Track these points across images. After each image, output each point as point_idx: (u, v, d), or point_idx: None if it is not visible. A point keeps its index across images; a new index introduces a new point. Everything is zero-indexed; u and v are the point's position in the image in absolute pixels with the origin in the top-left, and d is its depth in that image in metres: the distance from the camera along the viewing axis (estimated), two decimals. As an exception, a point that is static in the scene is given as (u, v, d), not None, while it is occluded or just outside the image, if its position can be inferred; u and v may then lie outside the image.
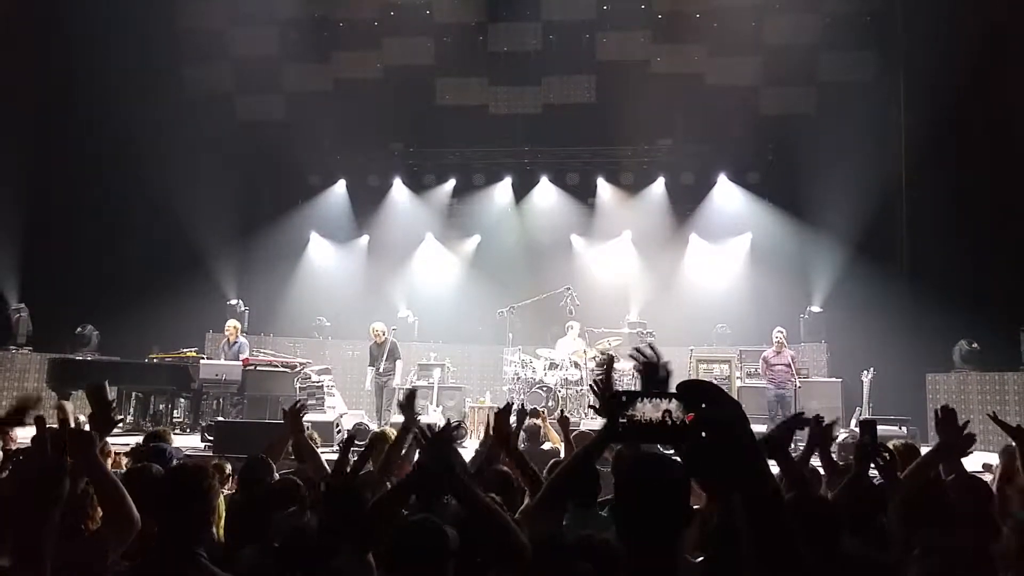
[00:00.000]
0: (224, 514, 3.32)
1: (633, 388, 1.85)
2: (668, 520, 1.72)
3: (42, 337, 11.42)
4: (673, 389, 1.24)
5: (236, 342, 10.39)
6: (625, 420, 1.22)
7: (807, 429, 3.52)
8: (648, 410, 1.20)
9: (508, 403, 3.69)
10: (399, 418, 9.33)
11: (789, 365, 10.04)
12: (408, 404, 3.62)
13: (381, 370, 10.21)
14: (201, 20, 12.74)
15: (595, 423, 7.76)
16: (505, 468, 3.62)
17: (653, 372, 1.93)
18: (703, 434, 1.17)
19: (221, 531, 3.25)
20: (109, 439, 4.43)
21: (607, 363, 2.47)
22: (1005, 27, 10.40)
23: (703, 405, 1.19)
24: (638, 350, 1.99)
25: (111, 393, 2.94)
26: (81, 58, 11.44)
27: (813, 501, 2.88)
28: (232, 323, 10.70)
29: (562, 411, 8.76)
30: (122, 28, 11.99)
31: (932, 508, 2.68)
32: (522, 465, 3.34)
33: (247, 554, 2.80)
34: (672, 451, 1.34)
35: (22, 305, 11.40)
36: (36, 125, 11.40)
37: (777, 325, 10.47)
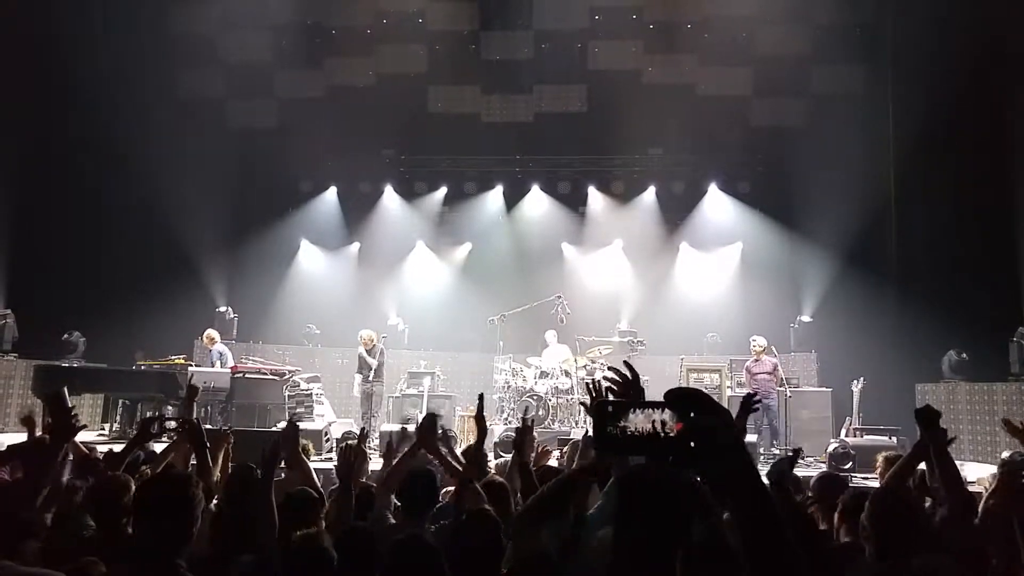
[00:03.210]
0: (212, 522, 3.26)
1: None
2: (671, 532, 1.66)
3: (28, 343, 11.27)
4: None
5: (210, 350, 10.59)
6: (616, 431, 1.17)
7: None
8: (639, 421, 1.15)
9: (480, 396, 3.57)
10: (388, 427, 9.31)
11: (771, 373, 9.95)
12: (430, 431, 3.50)
13: (371, 377, 10.20)
14: (194, 25, 12.67)
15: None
16: (500, 479, 3.59)
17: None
18: (692, 444, 1.14)
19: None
20: (101, 447, 4.38)
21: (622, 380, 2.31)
22: (995, 39, 10.48)
23: (692, 414, 1.16)
24: (615, 371, 1.93)
25: (69, 400, 2.91)
26: (72, 62, 11.35)
27: (796, 511, 2.87)
28: (208, 332, 10.88)
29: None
30: (114, 32, 11.93)
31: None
32: (527, 478, 3.29)
33: (245, 562, 2.73)
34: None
35: (8, 311, 11.23)
36: (24, 129, 11.26)
37: (765, 335, 10.47)
